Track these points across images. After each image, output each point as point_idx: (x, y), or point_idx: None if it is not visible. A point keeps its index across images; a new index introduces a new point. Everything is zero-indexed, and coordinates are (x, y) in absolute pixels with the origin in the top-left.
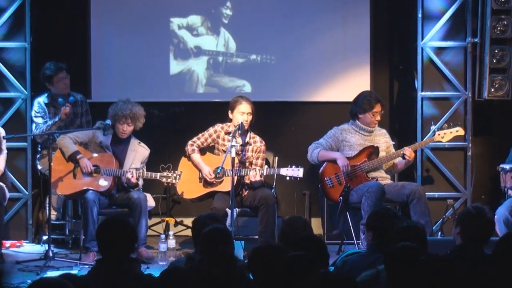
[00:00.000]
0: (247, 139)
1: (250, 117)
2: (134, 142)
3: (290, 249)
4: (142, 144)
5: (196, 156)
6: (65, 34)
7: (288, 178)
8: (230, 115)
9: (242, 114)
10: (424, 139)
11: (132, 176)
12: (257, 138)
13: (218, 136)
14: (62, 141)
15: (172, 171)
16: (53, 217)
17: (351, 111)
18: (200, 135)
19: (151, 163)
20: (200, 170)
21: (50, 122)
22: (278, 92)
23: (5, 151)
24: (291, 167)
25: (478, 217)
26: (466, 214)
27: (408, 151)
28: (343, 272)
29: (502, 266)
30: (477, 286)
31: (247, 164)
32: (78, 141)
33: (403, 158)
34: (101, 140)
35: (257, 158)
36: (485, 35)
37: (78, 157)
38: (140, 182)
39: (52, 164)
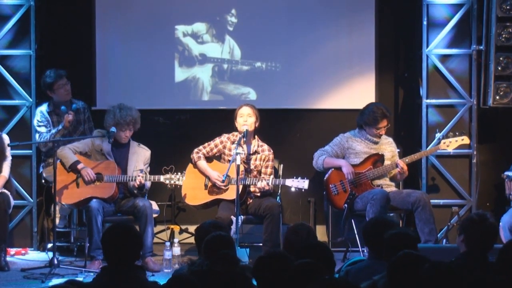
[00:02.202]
0: (255, 148)
1: (250, 119)
2: (133, 144)
3: (296, 256)
4: (141, 145)
5: (202, 163)
6: (70, 42)
7: (293, 189)
8: (236, 124)
9: (241, 116)
10: (429, 147)
11: (142, 178)
12: (265, 147)
13: (224, 147)
14: (62, 152)
15: (175, 173)
16: (60, 225)
17: (357, 121)
18: (206, 144)
19: (156, 171)
20: (207, 177)
21: (54, 131)
22: (283, 100)
23: (9, 158)
24: (296, 178)
25: (482, 224)
26: (470, 222)
27: (401, 163)
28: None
29: (505, 274)
30: None
31: (255, 172)
32: (78, 151)
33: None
34: (102, 147)
35: (266, 167)
36: (490, 42)
37: (79, 166)
38: (148, 184)
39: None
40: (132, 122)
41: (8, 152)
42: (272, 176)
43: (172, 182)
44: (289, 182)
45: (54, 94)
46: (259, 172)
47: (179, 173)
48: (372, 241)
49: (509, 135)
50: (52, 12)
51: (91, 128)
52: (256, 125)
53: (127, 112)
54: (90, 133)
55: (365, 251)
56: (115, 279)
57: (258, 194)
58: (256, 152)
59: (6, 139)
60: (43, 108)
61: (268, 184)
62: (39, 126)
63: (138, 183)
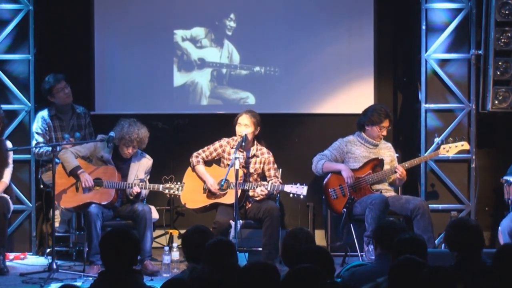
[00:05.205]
0: (254, 152)
1: (247, 130)
2: (137, 153)
3: (296, 261)
4: (145, 154)
5: (201, 168)
6: (69, 46)
7: (291, 195)
8: (236, 129)
9: (239, 125)
10: (428, 152)
11: (138, 187)
12: (264, 150)
13: (223, 151)
14: (64, 156)
15: (175, 182)
16: (61, 229)
17: (359, 121)
18: (205, 148)
19: (155, 175)
20: (204, 181)
21: (49, 149)
22: (282, 104)
23: (11, 165)
24: (295, 184)
25: (464, 230)
26: (452, 231)
27: (400, 168)
28: (350, 284)
29: (502, 277)
30: None
31: (255, 176)
32: (80, 155)
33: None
34: (102, 154)
35: (269, 170)
36: (489, 47)
37: (78, 172)
38: (144, 192)
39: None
40: (137, 140)
41: (11, 158)
42: (270, 182)
43: (171, 192)
44: (287, 188)
45: (54, 98)
46: (259, 175)
47: (178, 183)
48: (385, 245)
49: (508, 140)
50: (51, 17)
51: (91, 134)
52: (256, 133)
53: (135, 129)
54: (90, 138)
55: (363, 255)
56: (113, 284)
57: (257, 199)
58: (255, 156)
59: (9, 145)
60: (45, 113)
61: (266, 188)
62: (37, 133)
63: (135, 192)
